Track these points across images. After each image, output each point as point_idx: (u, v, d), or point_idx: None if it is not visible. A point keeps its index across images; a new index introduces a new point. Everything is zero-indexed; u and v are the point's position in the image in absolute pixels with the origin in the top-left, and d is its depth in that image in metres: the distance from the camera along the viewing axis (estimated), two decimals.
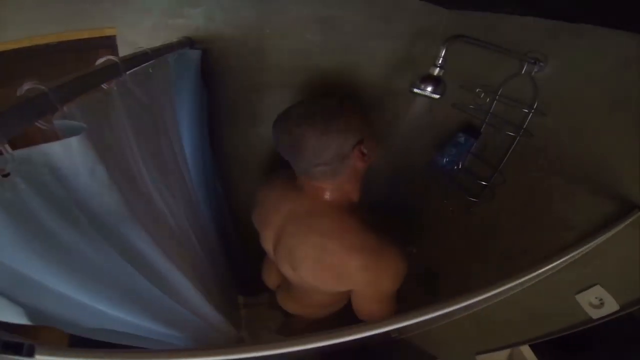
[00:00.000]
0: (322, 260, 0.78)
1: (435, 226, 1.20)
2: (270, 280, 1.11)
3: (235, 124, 1.19)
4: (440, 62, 0.70)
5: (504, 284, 0.81)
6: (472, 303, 0.81)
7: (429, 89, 0.71)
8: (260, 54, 1.05)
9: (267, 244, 0.93)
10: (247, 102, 1.14)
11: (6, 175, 0.37)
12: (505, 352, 1.17)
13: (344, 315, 1.05)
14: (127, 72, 0.63)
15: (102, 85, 0.57)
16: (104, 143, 0.52)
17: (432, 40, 1.00)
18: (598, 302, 0.81)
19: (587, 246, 0.79)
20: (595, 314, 0.81)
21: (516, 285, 0.87)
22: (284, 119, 0.78)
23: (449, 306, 0.63)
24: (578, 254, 0.81)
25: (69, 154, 0.43)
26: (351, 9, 0.94)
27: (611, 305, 0.79)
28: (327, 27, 0.99)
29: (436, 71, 0.71)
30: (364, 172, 0.83)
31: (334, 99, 0.77)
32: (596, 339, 0.88)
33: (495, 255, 1.04)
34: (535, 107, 0.78)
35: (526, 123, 0.82)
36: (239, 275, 1.27)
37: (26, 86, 0.40)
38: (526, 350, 1.07)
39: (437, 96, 0.71)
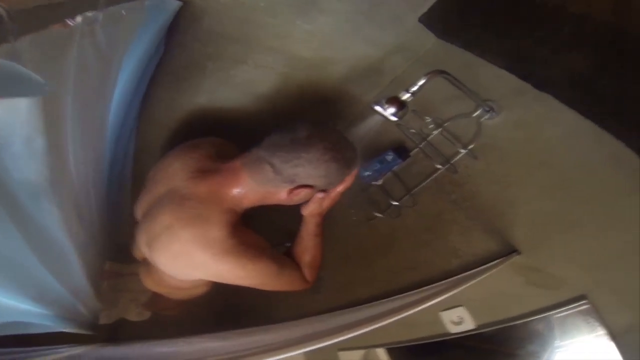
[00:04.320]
0: (171, 247, 0.76)
1: (332, 230, 1.24)
2: (137, 250, 1.00)
3: (178, 89, 1.05)
4: (414, 89, 0.72)
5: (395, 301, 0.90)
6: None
7: (391, 110, 0.72)
8: (241, 26, 0.93)
9: (141, 205, 0.88)
10: (200, 70, 1.01)
11: None
12: (361, 351, 1.29)
13: (215, 298, 1.08)
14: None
15: (68, 21, 0.46)
16: (49, 100, 0.43)
17: (408, 59, 1.04)
18: (458, 320, 0.95)
19: (466, 274, 0.93)
20: (454, 329, 0.96)
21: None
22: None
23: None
24: (457, 280, 0.95)
25: (11, 120, 0.35)
26: (354, 6, 0.90)
27: (468, 324, 0.94)
28: (321, 16, 0.93)
29: (406, 96, 0.73)
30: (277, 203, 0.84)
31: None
32: (446, 350, 1.02)
33: (384, 267, 1.14)
34: (470, 148, 0.88)
35: (455, 159, 0.92)
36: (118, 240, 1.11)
37: None
38: (381, 352, 1.19)
39: (395, 119, 0.73)
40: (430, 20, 0.86)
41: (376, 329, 1.10)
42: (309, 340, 0.74)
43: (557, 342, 0.79)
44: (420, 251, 1.05)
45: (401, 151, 1.03)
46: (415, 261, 1.06)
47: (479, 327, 0.92)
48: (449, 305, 0.97)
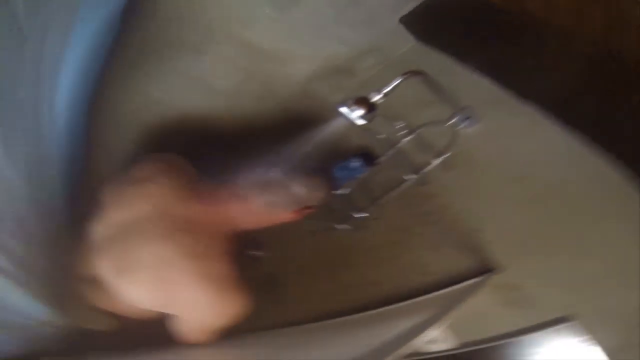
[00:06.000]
0: (162, 276, 0.68)
1: (293, 239, 1.13)
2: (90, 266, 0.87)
3: (130, 76, 0.95)
4: (387, 90, 0.65)
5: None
6: None
7: (358, 113, 0.65)
8: (199, 9, 0.84)
9: (105, 223, 0.75)
10: (157, 57, 0.91)
11: None
12: None
13: None
14: None
15: None
16: None
17: (382, 62, 0.93)
18: (432, 339, 0.88)
19: (438, 293, 0.87)
20: (426, 349, 0.90)
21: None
22: None
23: None
24: (428, 298, 0.88)
25: None
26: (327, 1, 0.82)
27: (442, 344, 0.87)
28: (289, 6, 0.83)
29: (376, 97, 0.65)
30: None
31: None
32: None
33: (345, 280, 1.05)
34: (443, 158, 0.80)
35: (426, 170, 0.83)
36: None
37: None
38: None
39: (362, 123, 0.66)
40: (412, 21, 0.81)
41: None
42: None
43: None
44: (385, 266, 0.97)
45: (368, 158, 0.93)
46: (379, 276, 0.98)
47: (455, 348, 0.87)
48: None
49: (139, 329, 0.89)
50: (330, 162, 0.96)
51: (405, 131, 0.85)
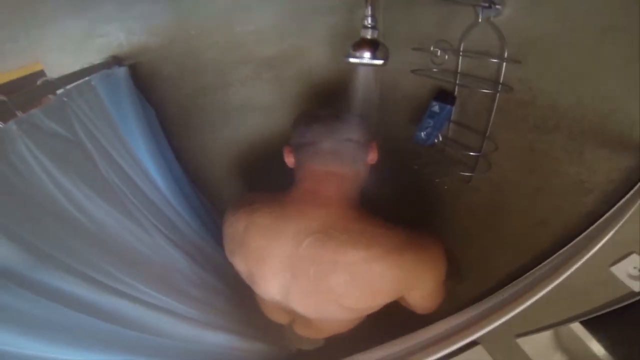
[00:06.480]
0: (371, 276, 0.66)
1: (436, 209, 1.05)
2: (280, 317, 0.92)
3: (194, 133, 1.11)
4: (369, 22, 0.57)
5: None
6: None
7: (367, 55, 0.59)
8: (193, 57, 0.97)
9: (269, 285, 0.75)
10: (197, 108, 1.06)
11: None
12: (548, 333, 1.04)
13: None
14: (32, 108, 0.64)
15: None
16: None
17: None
18: (638, 273, 0.65)
19: (614, 210, 0.64)
20: (638, 286, 0.66)
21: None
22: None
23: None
24: (607, 221, 0.66)
25: None
26: None
27: None
28: (256, 14, 0.89)
29: (369, 33, 0.58)
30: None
31: None
32: None
33: (510, 232, 0.89)
34: (506, 56, 0.63)
35: (502, 76, 0.67)
36: None
37: None
38: (577, 327, 0.92)
39: (379, 62, 0.59)
40: None
41: (548, 306, 0.89)
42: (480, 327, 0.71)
43: None
44: (539, 199, 0.78)
45: (445, 97, 0.81)
46: (540, 213, 0.79)
47: None
48: (616, 257, 0.68)
49: (343, 338, 0.90)
50: (413, 119, 0.88)
51: (450, 53, 0.70)
